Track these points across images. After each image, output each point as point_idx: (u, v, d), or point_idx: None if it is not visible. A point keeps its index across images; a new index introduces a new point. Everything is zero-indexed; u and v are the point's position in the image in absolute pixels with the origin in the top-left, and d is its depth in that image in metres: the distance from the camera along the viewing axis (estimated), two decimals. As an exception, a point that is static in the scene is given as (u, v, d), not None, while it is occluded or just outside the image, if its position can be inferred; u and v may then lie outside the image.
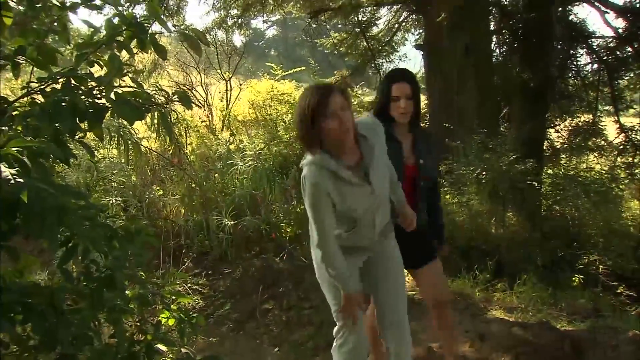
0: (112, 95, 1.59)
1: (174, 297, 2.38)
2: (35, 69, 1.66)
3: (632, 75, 8.91)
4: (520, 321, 3.99)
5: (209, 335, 3.98)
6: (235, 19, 9.37)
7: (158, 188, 5.95)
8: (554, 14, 6.83)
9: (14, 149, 1.29)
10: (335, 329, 2.68)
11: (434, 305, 3.06)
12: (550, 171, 8.10)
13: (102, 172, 5.74)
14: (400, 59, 10.13)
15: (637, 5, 7.62)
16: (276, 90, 9.28)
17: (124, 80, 1.74)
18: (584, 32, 8.44)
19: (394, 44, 9.78)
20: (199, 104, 9.24)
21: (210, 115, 9.25)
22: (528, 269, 5.36)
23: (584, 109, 9.00)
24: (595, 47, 8.50)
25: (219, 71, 10.10)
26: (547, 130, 8.57)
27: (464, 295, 4.57)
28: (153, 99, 1.70)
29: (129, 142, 4.67)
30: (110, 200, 5.25)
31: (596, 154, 8.74)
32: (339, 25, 11.10)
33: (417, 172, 2.95)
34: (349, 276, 2.49)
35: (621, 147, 8.61)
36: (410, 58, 10.38)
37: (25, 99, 1.61)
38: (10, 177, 1.23)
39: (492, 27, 8.11)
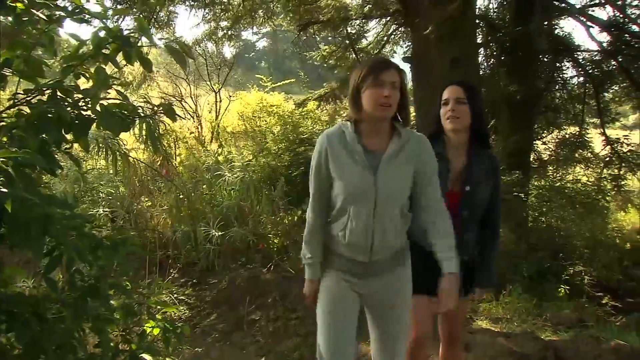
0: (98, 107, 1.62)
1: (159, 307, 2.39)
2: (22, 80, 1.68)
3: (616, 88, 9.04)
4: (504, 331, 4.03)
5: (195, 346, 3.97)
6: (225, 31, 9.41)
7: (146, 199, 5.96)
8: (539, 28, 6.91)
9: (-1, 159, 1.31)
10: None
11: (446, 340, 2.82)
12: (536, 183, 8.19)
13: (90, 183, 5.75)
14: (389, 72, 10.17)
15: (621, 21, 7.74)
16: (265, 102, 9.32)
17: (108, 93, 1.76)
18: (570, 46, 8.56)
19: (382, 56, 9.85)
20: (189, 116, 9.26)
21: (199, 127, 9.28)
22: (514, 279, 5.40)
23: (570, 122, 9.12)
24: (580, 60, 8.62)
25: (208, 83, 10.13)
26: (534, 142, 8.66)
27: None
28: (139, 111, 1.72)
29: (117, 153, 4.68)
30: (98, 211, 5.24)
31: (582, 166, 8.85)
32: (329, 38, 11.18)
33: (459, 200, 2.58)
34: (315, 263, 2.38)
35: (607, 159, 8.73)
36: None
37: (11, 110, 1.63)
38: (-6, 187, 1.25)
39: (479, 40, 8.21)
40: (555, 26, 8.52)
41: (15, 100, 1.64)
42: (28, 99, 1.62)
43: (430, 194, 2.29)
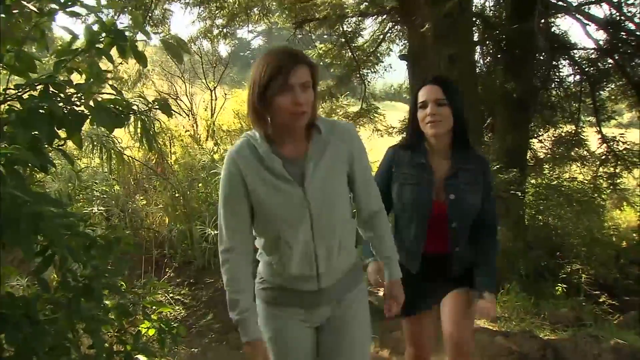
0: (91, 103, 1.58)
1: (154, 307, 2.36)
2: (13, 76, 1.64)
3: (613, 86, 9.03)
4: (503, 330, 4.01)
5: (191, 346, 3.94)
6: (221, 29, 9.36)
7: (141, 197, 5.92)
8: (536, 26, 6.89)
9: (-12, 156, 1.27)
10: None
11: (453, 353, 2.43)
12: (533, 181, 8.18)
13: (85, 181, 5.70)
14: (385, 69, 10.16)
15: (617, 19, 7.72)
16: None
17: (103, 87, 1.72)
18: (566, 44, 8.54)
19: (378, 54, 9.81)
20: (184, 114, 9.21)
21: (194, 125, 9.23)
22: (512, 278, 5.39)
23: (566, 120, 9.10)
24: (577, 58, 8.61)
25: (203, 81, 10.09)
26: (531, 140, 8.65)
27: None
28: (133, 107, 1.68)
29: (112, 151, 4.64)
30: (92, 209, 5.20)
31: (579, 164, 8.84)
32: (325, 36, 11.15)
33: (446, 210, 2.38)
34: (253, 315, 1.92)
35: (603, 157, 8.71)
36: (395, 69, 10.40)
37: (2, 106, 1.59)
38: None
39: (476, 38, 8.18)
40: (552, 24, 8.50)
41: (6, 96, 1.59)
42: (19, 94, 1.57)
43: (371, 196, 2.03)
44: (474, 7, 8.05)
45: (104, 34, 1.64)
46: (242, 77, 13.95)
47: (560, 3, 8.04)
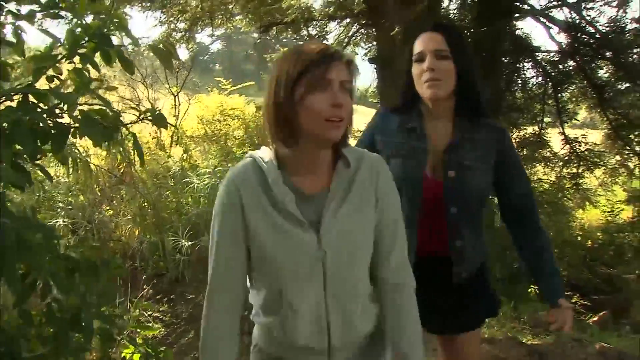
0: (76, 113, 1.43)
1: (139, 330, 2.22)
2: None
3: (574, 88, 9.20)
4: (487, 337, 3.96)
5: (171, 365, 3.75)
6: (183, 33, 9.16)
7: (108, 208, 5.67)
8: (501, 28, 6.95)
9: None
10: None
11: None
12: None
13: (49, 192, 5.42)
14: (351, 72, 10.10)
15: (577, 22, 7.85)
16: (225, 105, 9.11)
17: (87, 98, 1.58)
18: (530, 47, 8.66)
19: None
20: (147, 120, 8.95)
21: (158, 131, 8.98)
22: (488, 282, 5.38)
23: (530, 121, 9.22)
24: (540, 61, 8.73)
25: (166, 86, 9.85)
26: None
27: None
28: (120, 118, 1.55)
29: (78, 159, 4.41)
30: (57, 221, 4.94)
31: (543, 165, 8.96)
32: (284, 40, 11.05)
33: (442, 191, 1.87)
34: None
35: (566, 158, 8.86)
36: (360, 72, 10.36)
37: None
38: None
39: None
40: (515, 27, 8.60)
41: (-21, 108, 1.43)
42: (-5, 105, 1.42)
43: (396, 254, 1.49)
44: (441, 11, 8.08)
45: (87, 38, 1.50)
46: (202, 81, 13.69)
47: (524, 7, 8.14)
